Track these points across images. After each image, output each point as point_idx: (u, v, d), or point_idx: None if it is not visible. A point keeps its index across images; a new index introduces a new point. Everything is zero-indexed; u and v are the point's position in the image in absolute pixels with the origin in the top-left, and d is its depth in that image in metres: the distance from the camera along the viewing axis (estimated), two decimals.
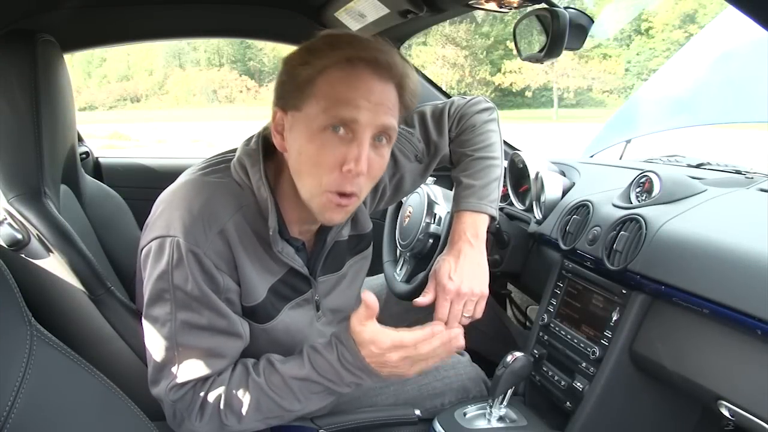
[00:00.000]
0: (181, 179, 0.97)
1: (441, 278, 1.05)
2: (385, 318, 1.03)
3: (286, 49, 1.05)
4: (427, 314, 1.12)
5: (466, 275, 1.06)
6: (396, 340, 0.88)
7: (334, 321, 1.08)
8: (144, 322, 0.92)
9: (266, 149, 0.94)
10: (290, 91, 0.87)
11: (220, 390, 0.90)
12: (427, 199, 1.51)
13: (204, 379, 0.90)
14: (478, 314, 1.08)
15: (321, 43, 0.86)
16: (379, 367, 0.90)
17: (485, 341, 1.66)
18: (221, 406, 0.90)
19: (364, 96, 0.84)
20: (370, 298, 0.88)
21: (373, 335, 0.88)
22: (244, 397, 0.91)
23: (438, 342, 0.90)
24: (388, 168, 1.13)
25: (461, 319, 1.07)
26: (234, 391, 0.91)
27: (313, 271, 1.01)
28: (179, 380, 0.89)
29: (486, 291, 1.08)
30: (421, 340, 0.89)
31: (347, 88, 0.84)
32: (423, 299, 1.06)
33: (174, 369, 0.89)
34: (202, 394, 0.89)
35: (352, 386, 0.94)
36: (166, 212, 0.90)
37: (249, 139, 0.97)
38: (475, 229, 1.09)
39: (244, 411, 0.90)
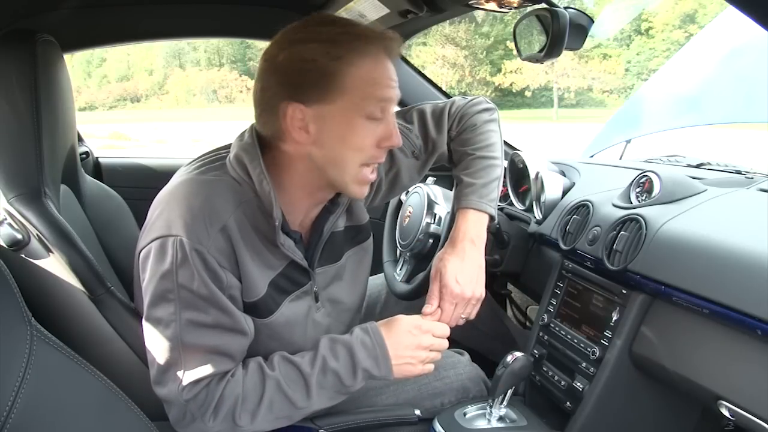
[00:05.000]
0: (177, 179, 0.97)
1: (448, 281, 1.07)
2: (385, 318, 1.04)
3: None
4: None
5: (470, 278, 1.08)
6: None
7: (333, 312, 1.08)
8: (145, 323, 0.91)
9: (259, 143, 0.95)
10: (314, 85, 0.88)
11: (236, 389, 0.91)
12: (427, 199, 1.51)
13: (218, 378, 0.91)
14: (473, 316, 1.11)
15: (343, 35, 0.88)
16: (395, 354, 0.97)
17: (485, 341, 1.66)
18: (236, 406, 0.90)
19: (390, 76, 0.91)
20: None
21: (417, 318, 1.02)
22: (259, 396, 0.92)
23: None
24: (384, 162, 1.14)
25: (459, 320, 1.09)
26: (249, 391, 0.91)
27: (311, 262, 1.02)
28: (190, 380, 0.88)
29: (484, 294, 1.11)
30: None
31: (379, 73, 0.90)
32: (431, 308, 1.07)
33: (181, 369, 0.89)
34: (217, 393, 0.90)
35: (362, 379, 0.97)
36: (166, 212, 0.90)
37: (242, 134, 0.97)
38: (477, 229, 1.10)
39: (258, 410, 0.91)
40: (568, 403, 1.13)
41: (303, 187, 0.96)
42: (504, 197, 1.61)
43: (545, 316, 1.27)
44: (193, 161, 1.01)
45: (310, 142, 0.90)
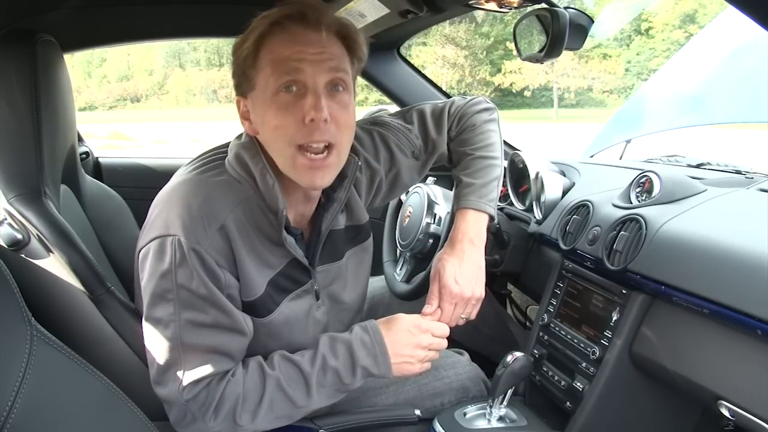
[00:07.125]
0: (177, 179, 0.97)
1: (447, 281, 1.07)
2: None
3: None
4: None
5: (469, 278, 1.08)
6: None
7: (333, 310, 1.08)
8: (145, 323, 0.91)
9: None
10: (242, 75, 0.91)
11: (236, 389, 0.91)
12: (427, 199, 1.51)
13: (218, 378, 0.91)
14: (473, 316, 1.11)
15: (254, 20, 0.90)
16: (394, 353, 0.97)
17: (485, 341, 1.66)
18: (236, 406, 0.90)
19: (302, 50, 0.87)
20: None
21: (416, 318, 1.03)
22: (259, 395, 0.92)
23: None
24: (384, 162, 1.14)
25: (459, 320, 1.09)
26: (250, 390, 0.92)
27: (312, 261, 1.02)
28: (190, 380, 0.89)
29: (483, 294, 1.10)
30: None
31: (285, 48, 0.87)
32: (431, 308, 1.07)
33: (181, 369, 0.89)
34: (217, 393, 0.90)
35: (361, 377, 0.97)
36: (164, 212, 0.90)
37: (240, 136, 0.99)
38: (477, 229, 1.10)
39: (258, 409, 0.92)
40: (568, 403, 1.13)
41: (284, 180, 0.95)
42: (504, 197, 1.61)
43: (545, 316, 1.27)
44: (192, 161, 1.01)
45: (254, 131, 0.94)
